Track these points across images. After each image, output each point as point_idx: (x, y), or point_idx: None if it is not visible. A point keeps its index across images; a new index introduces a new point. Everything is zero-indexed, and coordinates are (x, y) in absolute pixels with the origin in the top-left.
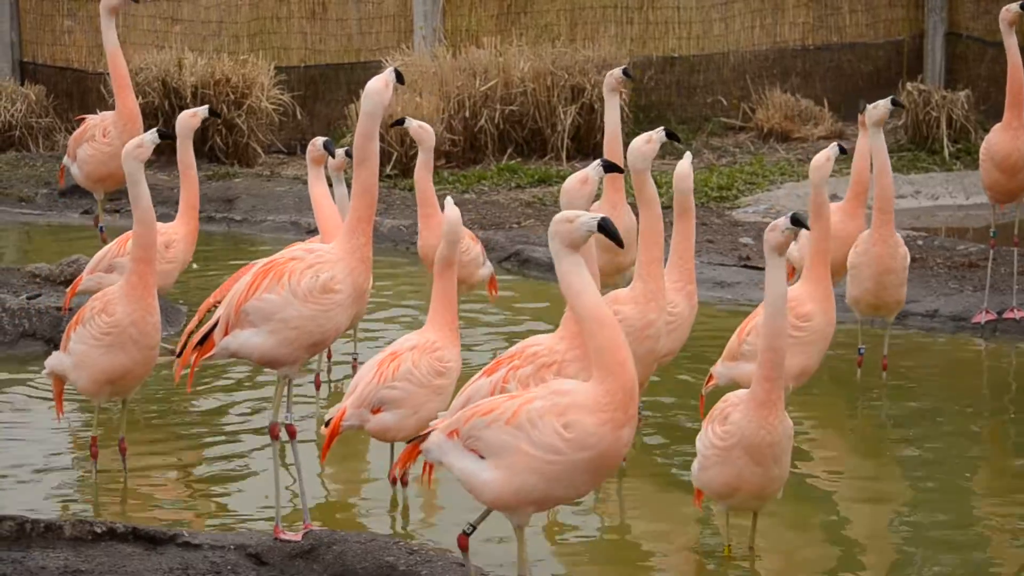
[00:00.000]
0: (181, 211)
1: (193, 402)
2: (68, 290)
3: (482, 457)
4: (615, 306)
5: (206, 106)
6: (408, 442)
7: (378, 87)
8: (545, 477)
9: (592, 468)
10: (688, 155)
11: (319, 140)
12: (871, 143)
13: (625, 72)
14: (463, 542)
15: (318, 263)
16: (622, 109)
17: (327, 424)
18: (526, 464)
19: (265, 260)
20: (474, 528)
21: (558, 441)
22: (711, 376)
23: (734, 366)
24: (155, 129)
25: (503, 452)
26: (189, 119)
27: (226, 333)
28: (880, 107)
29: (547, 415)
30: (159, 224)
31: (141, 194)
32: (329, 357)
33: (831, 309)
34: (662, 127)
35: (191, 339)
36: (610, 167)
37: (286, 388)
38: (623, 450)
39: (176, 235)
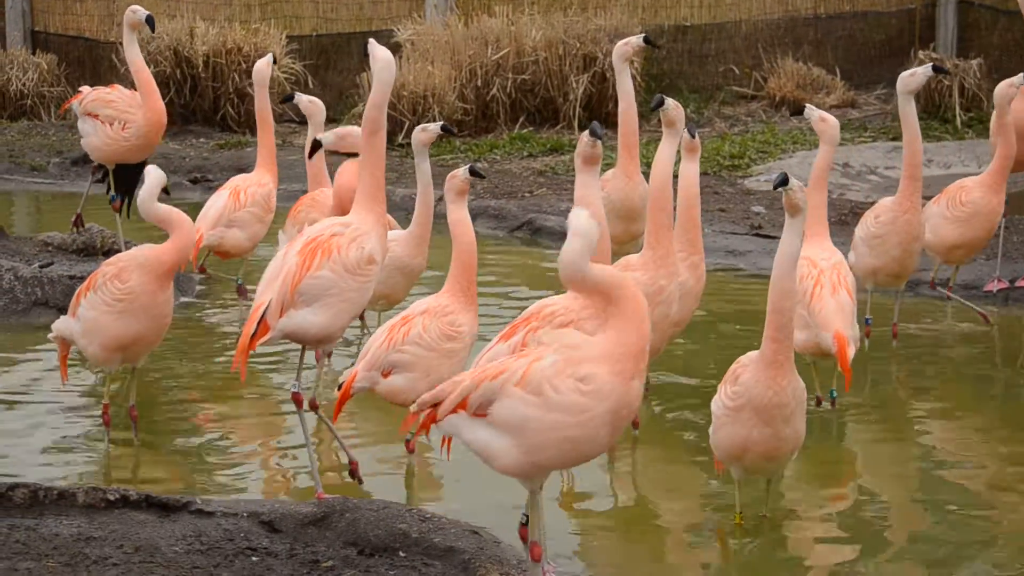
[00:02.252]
0: (262, 159)
1: (205, 369)
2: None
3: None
4: (626, 272)
5: (268, 56)
6: (420, 411)
7: (391, 57)
8: (569, 439)
9: (610, 421)
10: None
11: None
12: (901, 110)
13: (647, 40)
14: (523, 533)
15: (359, 235)
16: (633, 78)
17: (340, 387)
18: (547, 429)
19: (305, 239)
20: (528, 517)
21: (579, 397)
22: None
23: None
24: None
25: (521, 420)
26: (264, 68)
27: (280, 315)
28: (918, 74)
29: (562, 373)
30: (250, 176)
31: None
32: None
33: None
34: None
35: (244, 328)
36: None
37: (303, 357)
38: (636, 402)
39: (271, 184)
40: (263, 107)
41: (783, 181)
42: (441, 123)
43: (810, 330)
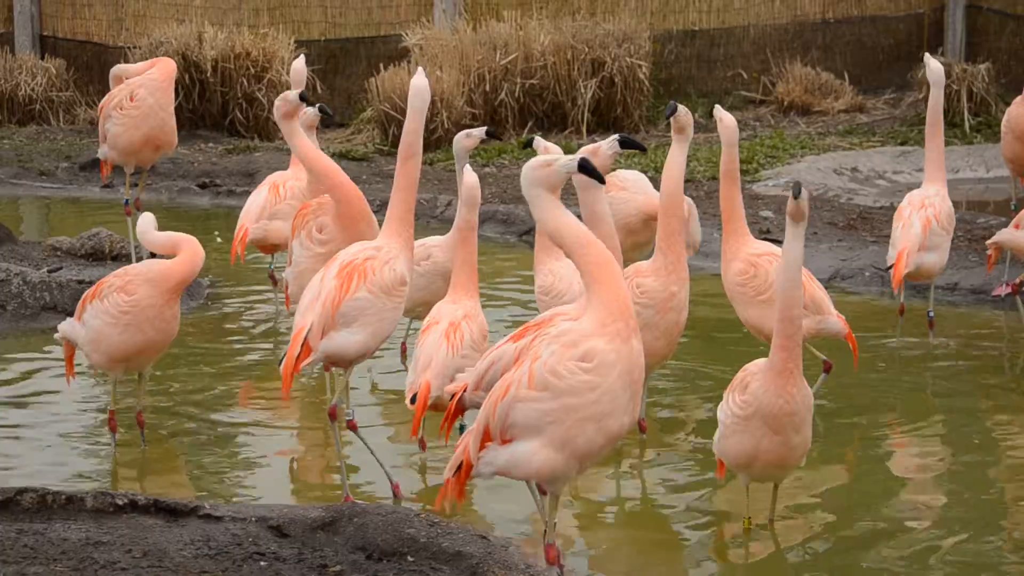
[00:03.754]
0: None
1: (212, 374)
2: (237, 243)
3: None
4: (637, 279)
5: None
6: (453, 474)
7: (422, 83)
8: (596, 418)
9: (626, 385)
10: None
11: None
12: (931, 99)
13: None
14: (550, 553)
15: (391, 258)
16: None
17: (412, 400)
18: (574, 418)
19: (340, 262)
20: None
21: (585, 376)
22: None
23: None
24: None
25: (543, 421)
26: (301, 67)
27: (322, 337)
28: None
29: (562, 360)
30: (286, 172)
31: None
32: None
33: None
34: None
35: (288, 352)
36: (627, 143)
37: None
38: (641, 360)
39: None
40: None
41: (798, 191)
42: (485, 128)
43: (808, 318)
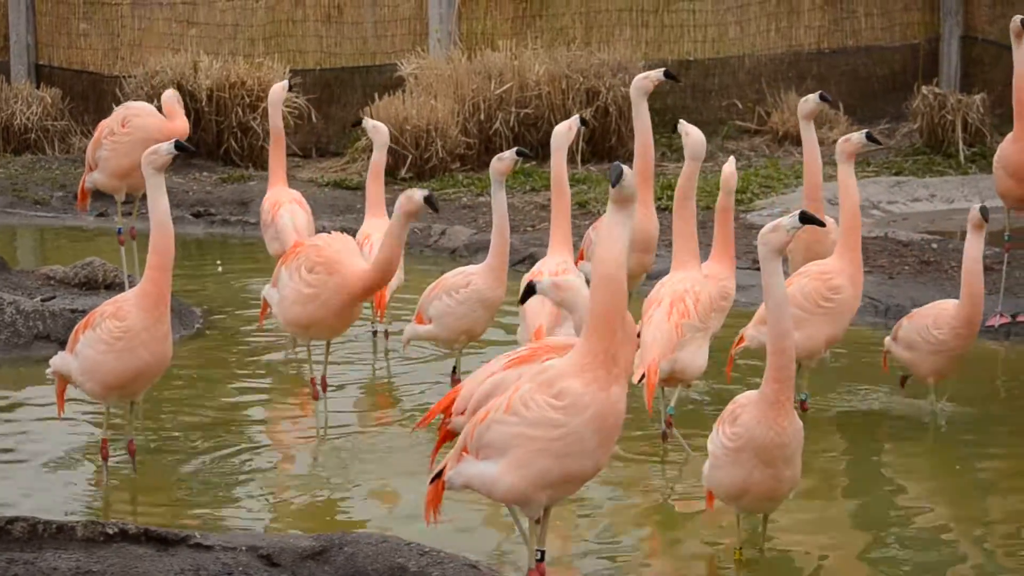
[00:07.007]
0: (277, 175)
1: (204, 402)
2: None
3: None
4: (835, 279)
5: (284, 81)
6: (430, 482)
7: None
8: (554, 454)
9: (594, 431)
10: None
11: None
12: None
13: (667, 74)
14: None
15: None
16: None
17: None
18: (532, 448)
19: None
20: (542, 553)
21: (553, 412)
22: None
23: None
24: (172, 141)
25: (508, 444)
26: (280, 90)
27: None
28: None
29: (536, 393)
30: (281, 190)
31: (159, 199)
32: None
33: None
34: (864, 131)
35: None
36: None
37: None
38: (618, 408)
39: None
40: (277, 126)
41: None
42: (516, 148)
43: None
